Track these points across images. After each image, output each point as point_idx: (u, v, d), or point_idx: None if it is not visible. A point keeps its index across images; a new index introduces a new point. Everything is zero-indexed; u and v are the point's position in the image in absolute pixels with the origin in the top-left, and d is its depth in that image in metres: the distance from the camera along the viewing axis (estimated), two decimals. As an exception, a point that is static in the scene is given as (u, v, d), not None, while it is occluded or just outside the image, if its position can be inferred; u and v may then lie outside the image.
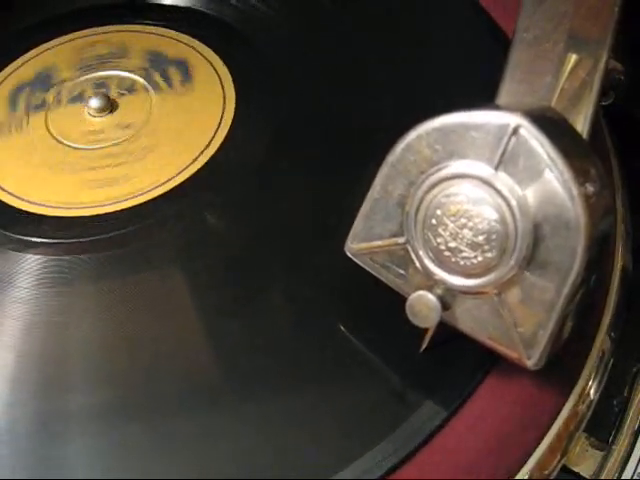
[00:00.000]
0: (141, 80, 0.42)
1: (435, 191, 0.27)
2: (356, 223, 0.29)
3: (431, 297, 0.26)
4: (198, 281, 0.34)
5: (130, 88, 0.41)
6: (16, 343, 0.32)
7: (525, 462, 0.29)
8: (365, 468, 0.27)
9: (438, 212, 0.26)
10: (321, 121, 0.39)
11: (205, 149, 0.38)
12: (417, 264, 0.28)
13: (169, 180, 0.37)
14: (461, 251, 0.26)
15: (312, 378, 0.30)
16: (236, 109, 0.39)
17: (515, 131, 0.25)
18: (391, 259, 0.29)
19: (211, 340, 0.32)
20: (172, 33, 0.44)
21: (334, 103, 0.39)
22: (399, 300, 0.28)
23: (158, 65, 0.42)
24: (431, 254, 0.27)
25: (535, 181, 0.25)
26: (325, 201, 0.35)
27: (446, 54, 0.41)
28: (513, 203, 0.25)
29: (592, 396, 0.31)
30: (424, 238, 0.27)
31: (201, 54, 0.42)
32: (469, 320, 0.27)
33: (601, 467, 0.31)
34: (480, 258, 0.26)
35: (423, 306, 0.27)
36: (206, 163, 0.37)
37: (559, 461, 0.30)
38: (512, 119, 0.26)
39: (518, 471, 0.29)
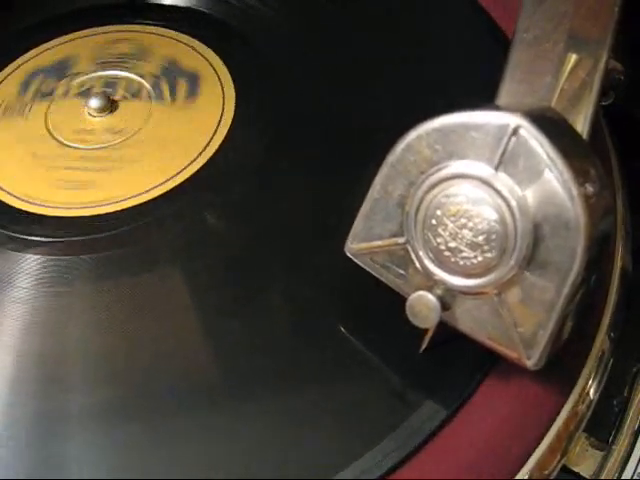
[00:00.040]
0: (148, 87, 0.41)
1: (435, 191, 0.27)
2: (356, 223, 0.29)
3: (431, 297, 0.26)
4: (198, 281, 0.34)
5: (135, 93, 0.41)
6: (16, 343, 0.32)
7: (525, 462, 0.29)
8: (365, 468, 0.27)
9: (438, 212, 0.26)
10: (321, 121, 0.39)
11: (205, 149, 0.38)
12: (417, 264, 0.28)
13: (169, 180, 0.37)
14: (461, 251, 0.26)
15: (312, 378, 0.30)
16: (236, 109, 0.39)
17: (515, 131, 0.25)
18: (391, 259, 0.29)
19: (211, 340, 0.32)
20: (172, 33, 0.44)
21: (334, 103, 0.39)
22: (399, 300, 0.28)
23: (170, 74, 0.41)
24: (431, 254, 0.27)
25: (535, 181, 0.25)
26: (325, 201, 0.35)
27: (446, 54, 0.41)
28: (513, 203, 0.25)
29: (592, 396, 0.31)
30: (424, 238, 0.27)
31: (201, 54, 0.42)
32: (469, 320, 0.27)
33: (601, 467, 0.31)
34: (480, 258, 0.26)
35: (423, 306, 0.27)
36: (206, 163, 0.37)
37: (559, 461, 0.30)
38: (512, 119, 0.26)
39: (518, 471, 0.29)
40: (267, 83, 0.40)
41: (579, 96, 0.31)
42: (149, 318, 0.32)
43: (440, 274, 0.27)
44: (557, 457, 0.30)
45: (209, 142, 0.38)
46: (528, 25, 0.32)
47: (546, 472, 0.29)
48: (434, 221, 0.27)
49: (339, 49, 0.42)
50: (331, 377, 0.30)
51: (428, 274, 0.27)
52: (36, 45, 0.44)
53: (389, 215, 0.28)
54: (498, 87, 0.32)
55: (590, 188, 0.26)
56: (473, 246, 0.26)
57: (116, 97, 0.41)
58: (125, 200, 0.36)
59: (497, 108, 0.28)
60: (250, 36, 0.43)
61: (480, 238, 0.26)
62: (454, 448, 0.28)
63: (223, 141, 0.38)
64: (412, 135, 0.27)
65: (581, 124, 0.31)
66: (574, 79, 0.31)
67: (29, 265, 0.34)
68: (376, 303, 0.31)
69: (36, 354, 0.32)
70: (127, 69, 0.42)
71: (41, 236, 0.35)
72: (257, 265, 0.34)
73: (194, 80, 0.41)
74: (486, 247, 0.26)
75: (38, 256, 0.35)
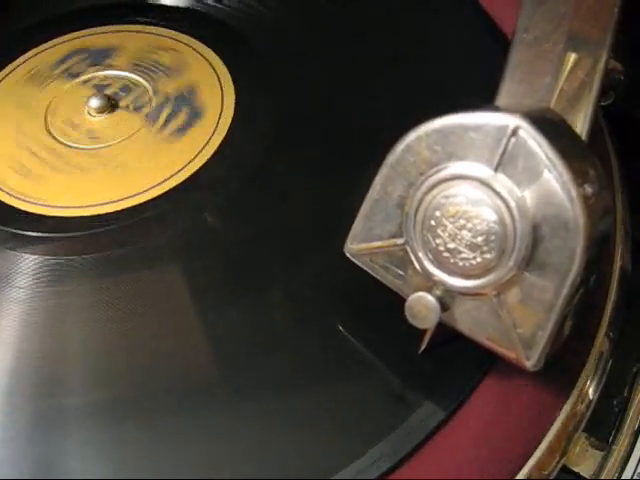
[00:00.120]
0: (153, 105, 0.40)
1: (434, 192, 0.27)
2: (355, 224, 0.29)
3: (430, 298, 0.26)
4: (197, 281, 0.34)
5: (139, 107, 0.40)
6: (15, 342, 0.32)
7: (525, 462, 0.29)
8: (364, 468, 0.27)
9: (437, 213, 0.26)
10: (321, 121, 0.39)
11: (204, 149, 0.38)
12: (416, 265, 0.28)
13: (169, 180, 0.37)
14: (460, 252, 0.26)
15: (311, 378, 0.30)
16: (235, 109, 0.39)
17: (514, 132, 0.25)
18: (390, 260, 0.29)
19: (210, 340, 0.32)
20: (172, 33, 0.44)
21: (334, 103, 0.39)
22: (398, 301, 0.28)
23: (180, 102, 0.40)
24: (430, 255, 0.27)
25: (534, 182, 0.25)
26: (325, 201, 0.35)
27: (446, 54, 0.41)
28: (512, 204, 0.25)
29: (591, 396, 0.31)
30: (423, 239, 0.27)
31: (201, 54, 0.42)
32: (468, 321, 0.27)
33: (601, 467, 0.31)
34: (479, 259, 0.26)
35: (422, 307, 0.27)
36: (205, 163, 0.37)
37: (559, 461, 0.30)
38: (511, 120, 0.26)
39: (518, 471, 0.29)
40: (267, 83, 0.40)
41: (579, 96, 0.31)
42: (148, 318, 0.32)
43: (439, 275, 0.27)
44: (557, 457, 0.30)
45: (208, 142, 0.38)
46: (528, 25, 0.32)
47: (546, 472, 0.29)
48: (433, 222, 0.27)
49: (339, 49, 0.42)
50: (331, 377, 0.30)
51: (427, 275, 0.27)
52: (36, 45, 0.44)
53: (388, 216, 0.28)
54: (498, 87, 0.32)
55: (589, 189, 0.26)
56: (472, 247, 0.26)
57: (121, 104, 0.40)
58: (125, 200, 0.36)
59: (496, 109, 0.28)
60: (250, 36, 0.43)
61: (479, 239, 0.26)
62: (453, 448, 0.28)
63: (222, 141, 0.38)
64: (411, 136, 0.27)
65: (581, 124, 0.31)
66: (574, 79, 0.31)
67: (28, 264, 0.34)
68: (376, 303, 0.31)
69: (35, 353, 0.32)
70: (151, 80, 0.41)
71: (40, 235, 0.36)
72: (257, 265, 0.34)
73: (196, 116, 0.39)
74: (485, 248, 0.26)
75: (37, 255, 0.35)
